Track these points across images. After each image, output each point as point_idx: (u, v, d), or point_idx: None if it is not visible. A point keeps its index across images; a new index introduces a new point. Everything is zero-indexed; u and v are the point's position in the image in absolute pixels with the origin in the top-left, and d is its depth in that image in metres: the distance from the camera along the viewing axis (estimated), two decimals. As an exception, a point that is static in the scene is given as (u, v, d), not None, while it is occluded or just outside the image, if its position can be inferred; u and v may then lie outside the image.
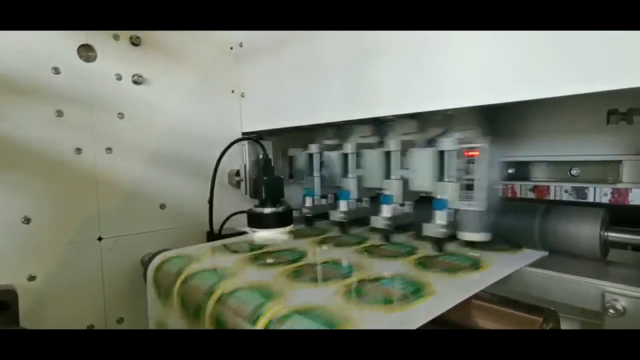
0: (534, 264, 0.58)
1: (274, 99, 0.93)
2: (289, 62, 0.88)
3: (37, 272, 0.72)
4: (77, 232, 0.77)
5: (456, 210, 0.66)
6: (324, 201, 0.91)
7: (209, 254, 0.73)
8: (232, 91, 1.01)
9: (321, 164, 0.90)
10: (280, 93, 0.91)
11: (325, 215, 0.88)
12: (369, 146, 0.84)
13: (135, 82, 0.84)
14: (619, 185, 0.67)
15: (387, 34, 0.67)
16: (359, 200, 0.84)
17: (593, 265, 0.58)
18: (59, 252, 0.75)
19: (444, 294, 0.47)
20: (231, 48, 1.00)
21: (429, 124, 0.78)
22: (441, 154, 0.68)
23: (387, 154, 0.76)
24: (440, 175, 0.68)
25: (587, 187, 0.70)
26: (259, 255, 0.69)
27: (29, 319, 0.69)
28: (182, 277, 0.61)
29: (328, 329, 0.40)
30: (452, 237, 0.67)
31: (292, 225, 0.89)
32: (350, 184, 0.83)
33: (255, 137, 0.97)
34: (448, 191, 0.66)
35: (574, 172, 0.72)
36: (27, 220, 0.71)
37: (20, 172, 0.70)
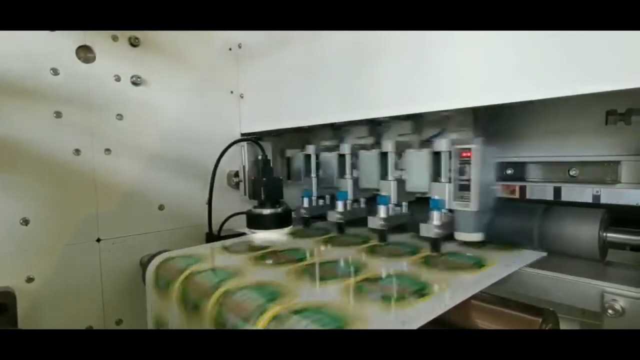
0: (533, 265, 0.58)
1: (272, 99, 0.93)
2: (287, 63, 0.88)
3: (35, 273, 0.72)
4: (75, 234, 0.77)
5: (453, 211, 0.67)
6: (321, 202, 0.92)
7: (208, 254, 0.73)
8: (231, 92, 1.01)
9: (318, 165, 0.91)
10: (279, 94, 0.91)
11: (322, 217, 0.88)
12: (365, 147, 0.85)
13: (134, 83, 0.84)
14: (617, 186, 0.67)
15: (386, 34, 0.67)
16: (355, 201, 0.85)
17: (592, 265, 0.58)
18: (57, 253, 0.75)
19: (449, 292, 0.48)
20: (230, 49, 1.00)
21: (425, 125, 0.78)
22: (437, 154, 0.68)
23: (383, 155, 0.77)
24: (436, 176, 0.69)
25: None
26: (261, 255, 0.69)
27: (27, 321, 0.69)
28: (182, 277, 0.61)
29: (328, 329, 0.40)
30: (450, 237, 0.68)
31: (291, 226, 0.89)
32: (347, 185, 0.84)
33: (254, 138, 0.97)
34: (444, 192, 0.67)
35: (572, 172, 0.72)
36: (25, 222, 0.71)
37: (18, 174, 0.70)
